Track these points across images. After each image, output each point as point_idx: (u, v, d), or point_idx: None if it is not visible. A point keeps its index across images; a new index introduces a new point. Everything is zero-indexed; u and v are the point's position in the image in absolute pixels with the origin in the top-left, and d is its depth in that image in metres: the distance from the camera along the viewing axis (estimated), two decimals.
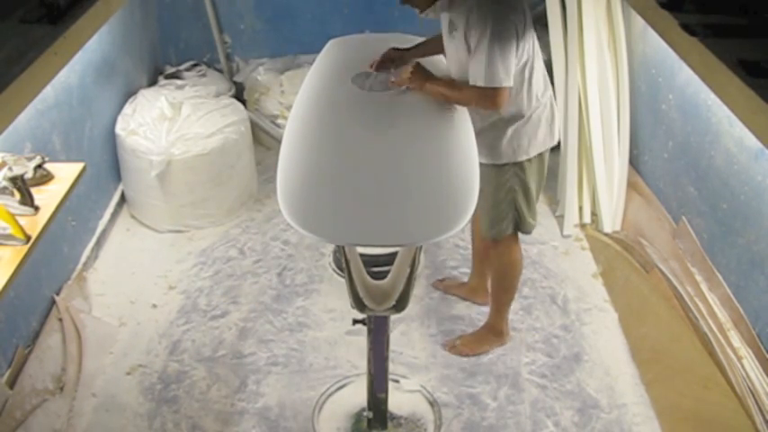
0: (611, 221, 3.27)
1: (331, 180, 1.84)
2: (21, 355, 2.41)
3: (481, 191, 1.82)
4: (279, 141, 2.10)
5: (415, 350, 2.75)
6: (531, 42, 2.19)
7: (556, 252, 3.25)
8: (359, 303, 2.04)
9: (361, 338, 2.42)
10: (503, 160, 2.34)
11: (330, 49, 2.53)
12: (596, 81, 3.24)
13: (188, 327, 2.85)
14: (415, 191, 1.79)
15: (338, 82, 2.26)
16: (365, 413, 2.37)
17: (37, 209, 1.96)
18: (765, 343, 2.27)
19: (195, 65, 3.95)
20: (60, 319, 2.64)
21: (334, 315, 2.89)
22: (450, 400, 2.54)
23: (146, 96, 3.45)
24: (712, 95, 2.02)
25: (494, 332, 2.71)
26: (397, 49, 2.33)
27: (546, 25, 3.40)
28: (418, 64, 2.19)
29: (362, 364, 2.34)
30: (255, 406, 2.52)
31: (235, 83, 4.06)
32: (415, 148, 1.96)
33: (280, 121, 3.97)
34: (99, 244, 3.20)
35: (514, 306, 2.90)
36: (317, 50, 2.52)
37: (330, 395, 2.55)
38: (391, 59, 2.30)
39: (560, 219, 3.40)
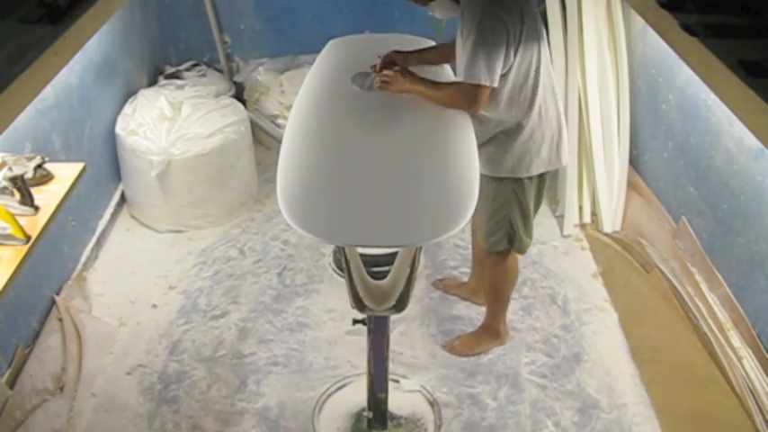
0: (611, 221, 3.27)
1: (331, 180, 1.84)
2: (21, 355, 2.41)
3: (480, 200, 1.81)
4: (279, 141, 2.10)
5: (415, 350, 2.75)
6: (535, 52, 2.14)
7: (556, 252, 3.25)
8: (359, 303, 2.04)
9: (361, 338, 2.42)
10: (502, 174, 2.31)
11: (330, 49, 2.53)
12: (596, 81, 3.24)
13: (188, 327, 2.85)
14: (415, 191, 1.79)
15: (338, 82, 2.26)
16: (365, 413, 2.37)
17: (37, 209, 1.96)
18: (765, 343, 2.27)
19: (195, 65, 3.95)
20: (60, 319, 2.64)
21: (334, 315, 2.89)
22: (451, 400, 2.54)
23: (146, 96, 3.45)
24: (712, 95, 2.01)
25: (490, 333, 2.71)
26: (400, 52, 2.32)
27: (546, 25, 3.40)
28: (401, 66, 2.18)
29: (362, 364, 2.34)
30: (255, 406, 2.52)
31: (235, 83, 4.06)
32: (415, 148, 1.96)
33: (280, 121, 3.97)
34: (99, 244, 3.20)
35: (514, 306, 2.90)
36: (317, 50, 2.52)
37: (330, 395, 2.55)
38: (393, 63, 2.27)
39: (560, 219, 3.40)
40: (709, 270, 2.60)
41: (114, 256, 3.21)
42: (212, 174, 3.32)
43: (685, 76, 2.74)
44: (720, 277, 2.54)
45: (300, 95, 2.20)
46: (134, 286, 3.04)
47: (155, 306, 2.95)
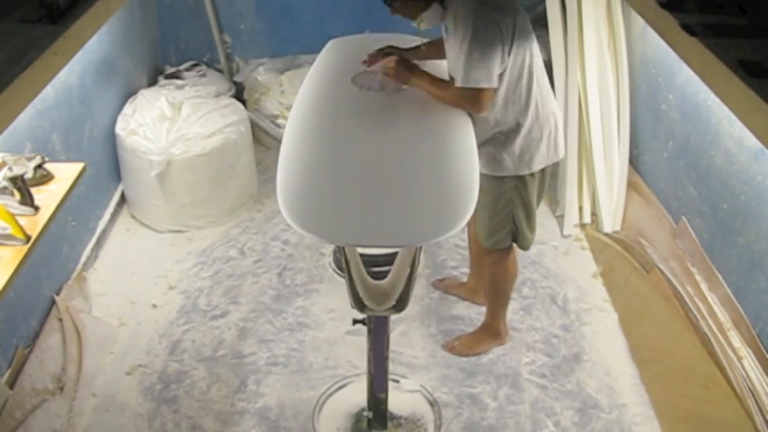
0: (611, 221, 3.27)
1: (331, 180, 1.84)
2: (21, 355, 2.41)
3: (480, 199, 1.81)
4: (279, 141, 2.10)
5: (415, 350, 2.75)
6: (527, 51, 2.16)
7: (556, 252, 3.25)
8: (359, 303, 2.04)
9: (361, 338, 2.42)
10: (504, 173, 2.32)
11: (330, 49, 2.53)
12: (596, 81, 3.24)
13: (188, 327, 2.85)
14: (415, 191, 1.79)
15: (338, 82, 2.26)
16: (365, 413, 2.37)
17: (37, 209, 1.96)
18: (765, 343, 2.27)
19: (195, 65, 3.95)
20: (60, 319, 2.64)
21: (335, 315, 2.89)
22: (451, 400, 2.54)
23: (146, 96, 3.45)
24: (712, 95, 2.01)
25: (490, 332, 2.71)
26: (396, 49, 2.32)
27: (546, 25, 3.40)
28: (401, 57, 2.18)
29: (362, 364, 2.34)
30: (255, 406, 2.52)
31: (235, 83, 4.06)
32: (415, 148, 1.96)
33: (280, 121, 3.97)
34: (99, 244, 3.20)
35: (514, 306, 2.90)
36: (317, 50, 2.52)
37: (330, 395, 2.55)
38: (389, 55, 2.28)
39: (560, 219, 3.40)
40: (709, 270, 2.59)
41: (114, 256, 3.21)
42: (212, 174, 3.32)
43: (685, 76, 2.74)
44: (720, 277, 2.54)
45: (300, 95, 2.20)
46: (134, 286, 3.04)
47: (155, 306, 2.95)
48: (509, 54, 2.10)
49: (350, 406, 2.51)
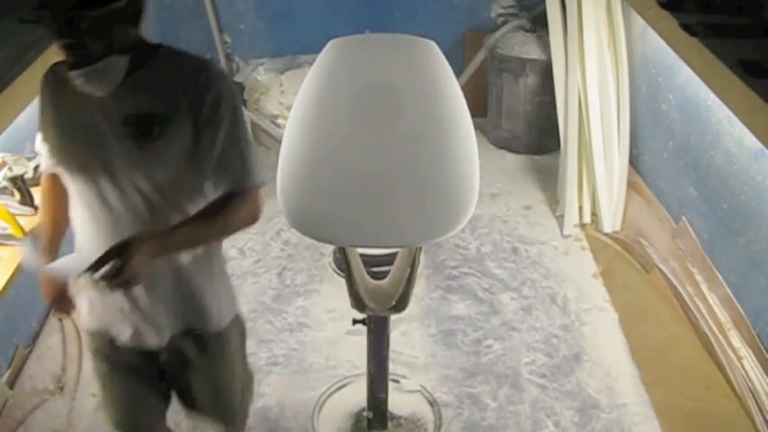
0: (611, 221, 3.27)
1: (331, 180, 1.84)
2: (21, 355, 2.41)
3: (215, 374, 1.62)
4: (279, 141, 2.10)
5: (415, 350, 2.75)
6: None
7: (556, 252, 3.25)
8: (359, 303, 2.04)
9: (361, 338, 2.41)
10: (227, 320, 1.75)
11: (330, 49, 2.53)
12: (596, 81, 3.24)
13: None
14: (415, 191, 1.79)
15: (338, 82, 2.25)
16: (365, 413, 2.37)
17: (37, 209, 1.96)
18: (765, 343, 2.27)
19: None
20: (60, 319, 2.64)
21: (335, 315, 2.89)
22: (451, 400, 2.54)
23: None
24: (712, 95, 2.02)
25: None
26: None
27: (546, 25, 3.41)
28: (135, 244, 1.33)
29: (362, 364, 2.34)
30: (255, 406, 2.51)
31: (235, 83, 4.06)
32: (414, 148, 1.96)
33: (280, 121, 3.97)
34: None
35: (514, 306, 2.90)
36: (317, 50, 2.51)
37: (330, 395, 2.55)
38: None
39: (560, 219, 3.40)
40: (710, 270, 2.59)
41: None
42: None
43: (685, 76, 2.73)
44: (720, 277, 2.53)
45: (300, 95, 2.20)
46: None
47: None
48: None
49: (350, 406, 2.51)
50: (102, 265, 1.31)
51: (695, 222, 2.75)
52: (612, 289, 3.02)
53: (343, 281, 2.24)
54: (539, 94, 3.79)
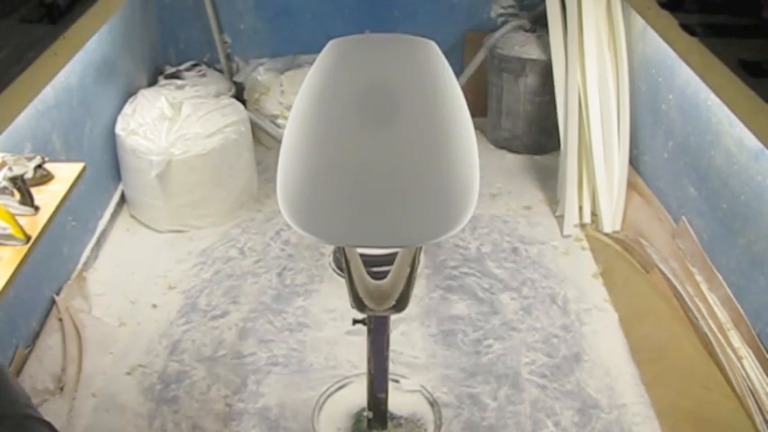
0: (611, 221, 3.27)
1: (331, 180, 1.84)
2: (21, 355, 2.41)
3: None
4: (279, 141, 2.10)
5: (415, 350, 2.75)
6: None
7: (556, 252, 3.26)
8: (359, 303, 2.04)
9: (361, 338, 2.42)
10: None
11: (330, 49, 2.53)
12: (596, 81, 3.24)
13: (188, 327, 2.85)
14: (415, 191, 1.79)
15: (338, 82, 2.25)
16: (365, 413, 2.37)
17: (37, 209, 1.96)
18: (765, 343, 2.27)
19: (195, 65, 3.95)
20: (60, 319, 2.64)
21: (335, 315, 2.89)
22: (451, 400, 2.54)
23: (146, 96, 3.45)
24: (712, 95, 2.02)
25: None
26: None
27: (546, 25, 3.41)
28: None
29: (362, 364, 2.35)
30: (255, 406, 2.52)
31: (235, 83, 4.06)
32: (415, 147, 1.96)
33: (280, 121, 3.97)
34: (99, 244, 3.20)
35: (514, 306, 2.90)
36: (317, 50, 2.51)
37: (330, 395, 2.55)
38: None
39: (560, 219, 3.40)
40: (710, 270, 2.59)
41: (114, 257, 3.21)
42: (212, 174, 3.32)
43: (685, 76, 2.73)
44: (720, 277, 2.54)
45: (300, 95, 2.20)
46: (134, 286, 3.04)
47: (155, 306, 2.95)
48: None
49: (350, 406, 2.51)
50: None
51: (695, 222, 2.75)
52: (612, 289, 3.02)
53: (342, 281, 2.24)
54: (539, 94, 3.79)
